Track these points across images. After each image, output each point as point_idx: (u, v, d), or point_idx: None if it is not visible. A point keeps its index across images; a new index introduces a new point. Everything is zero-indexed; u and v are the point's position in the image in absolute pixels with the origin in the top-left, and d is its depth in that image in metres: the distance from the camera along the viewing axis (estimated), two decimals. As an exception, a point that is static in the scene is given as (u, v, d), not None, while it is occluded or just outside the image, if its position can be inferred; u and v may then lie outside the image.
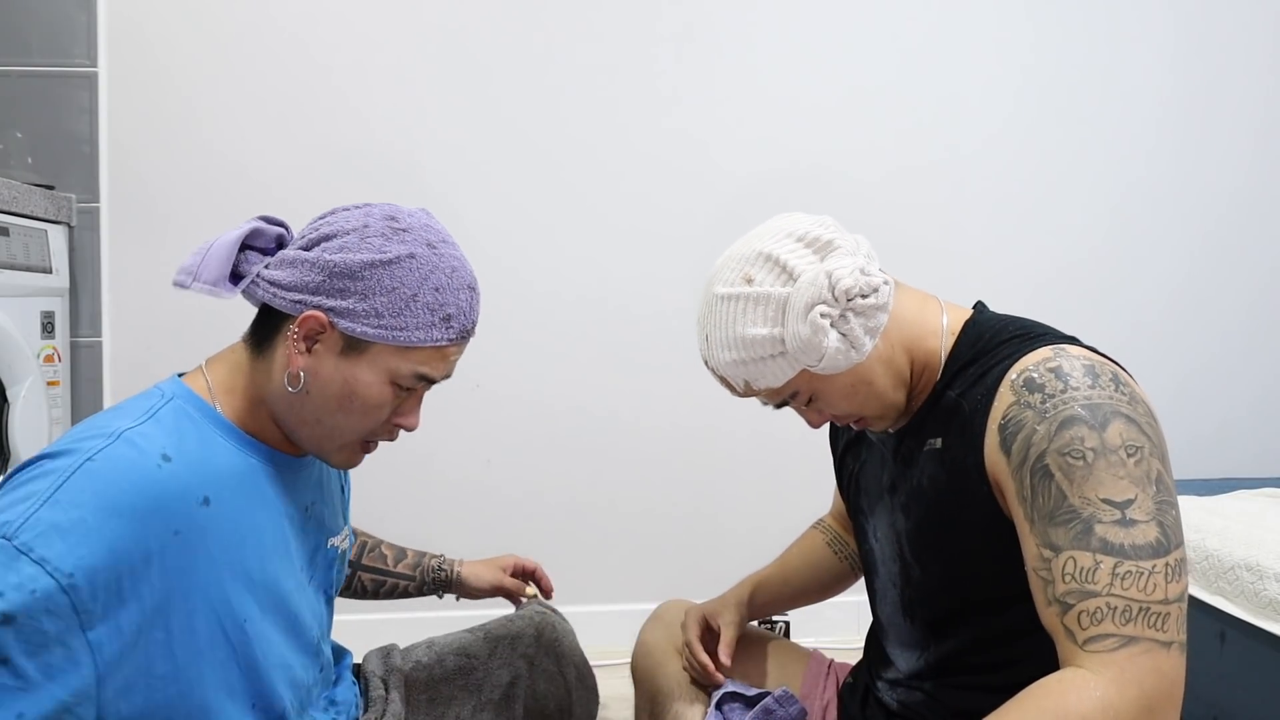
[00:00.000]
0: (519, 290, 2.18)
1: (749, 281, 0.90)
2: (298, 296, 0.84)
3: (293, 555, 0.90)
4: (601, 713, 1.17)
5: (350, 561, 1.24)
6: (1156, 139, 2.32)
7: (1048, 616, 0.77)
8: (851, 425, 0.99)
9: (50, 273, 1.87)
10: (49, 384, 1.83)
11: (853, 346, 0.88)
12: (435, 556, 1.28)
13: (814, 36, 2.21)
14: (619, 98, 2.18)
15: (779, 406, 0.98)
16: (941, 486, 0.91)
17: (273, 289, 0.85)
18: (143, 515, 0.74)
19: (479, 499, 2.20)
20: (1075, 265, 2.31)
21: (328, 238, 0.85)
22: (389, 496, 2.21)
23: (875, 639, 1.11)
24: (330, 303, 0.83)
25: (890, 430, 1.00)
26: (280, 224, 0.91)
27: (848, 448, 1.14)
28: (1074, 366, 0.83)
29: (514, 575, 1.31)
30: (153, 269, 2.01)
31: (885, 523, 1.02)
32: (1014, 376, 0.85)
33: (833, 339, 0.87)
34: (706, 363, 0.96)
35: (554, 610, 1.22)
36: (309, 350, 0.85)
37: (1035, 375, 0.83)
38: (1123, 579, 0.74)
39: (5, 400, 1.69)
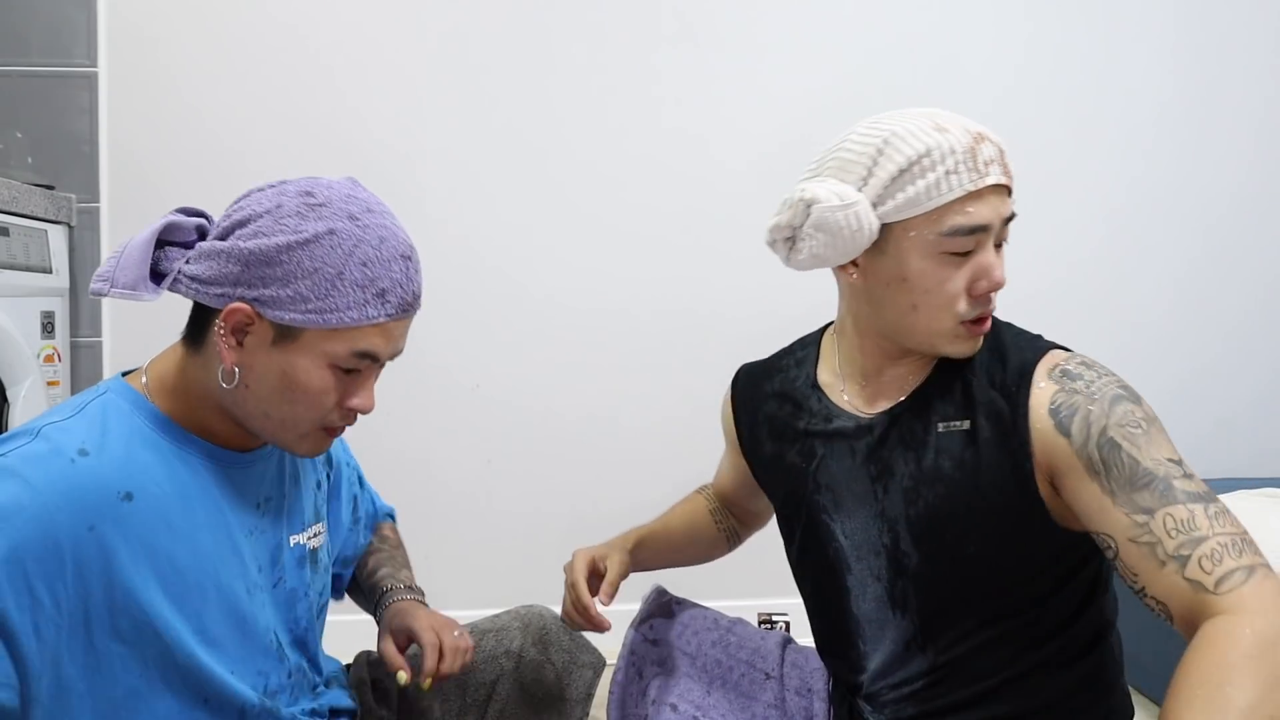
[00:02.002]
0: (518, 292, 2.18)
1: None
2: (220, 290, 0.80)
3: (243, 554, 0.87)
4: (596, 711, 1.17)
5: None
6: (1156, 139, 2.31)
7: (1165, 577, 0.79)
8: (978, 317, 0.94)
9: (50, 273, 1.87)
10: (49, 384, 1.83)
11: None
12: (390, 579, 1.15)
13: (813, 37, 2.21)
14: (617, 99, 2.18)
15: (1002, 224, 0.93)
16: (971, 466, 0.92)
17: (194, 285, 0.81)
18: (50, 510, 0.72)
19: (479, 499, 2.20)
20: (1074, 265, 2.30)
21: (242, 224, 0.81)
22: (388, 497, 2.20)
23: (844, 646, 1.05)
24: (253, 293, 0.79)
25: (869, 415, 1.00)
26: (199, 214, 0.87)
27: (785, 445, 1.08)
28: (1094, 363, 0.92)
29: (409, 644, 1.05)
30: (153, 269, 2.00)
31: (865, 517, 0.99)
32: (1048, 369, 0.91)
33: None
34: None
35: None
36: (240, 344, 0.81)
37: (1070, 368, 0.91)
38: (1216, 518, 0.80)
39: (5, 400, 1.69)
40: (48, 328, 1.87)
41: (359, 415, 0.88)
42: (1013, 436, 0.90)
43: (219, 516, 0.85)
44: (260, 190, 0.84)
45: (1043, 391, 0.90)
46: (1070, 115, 2.28)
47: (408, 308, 0.86)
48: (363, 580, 1.17)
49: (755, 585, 2.26)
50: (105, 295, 0.81)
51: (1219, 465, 2.28)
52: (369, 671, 1.11)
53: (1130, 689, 1.01)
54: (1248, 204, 2.35)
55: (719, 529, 1.30)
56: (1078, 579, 0.95)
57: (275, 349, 0.81)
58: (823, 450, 1.04)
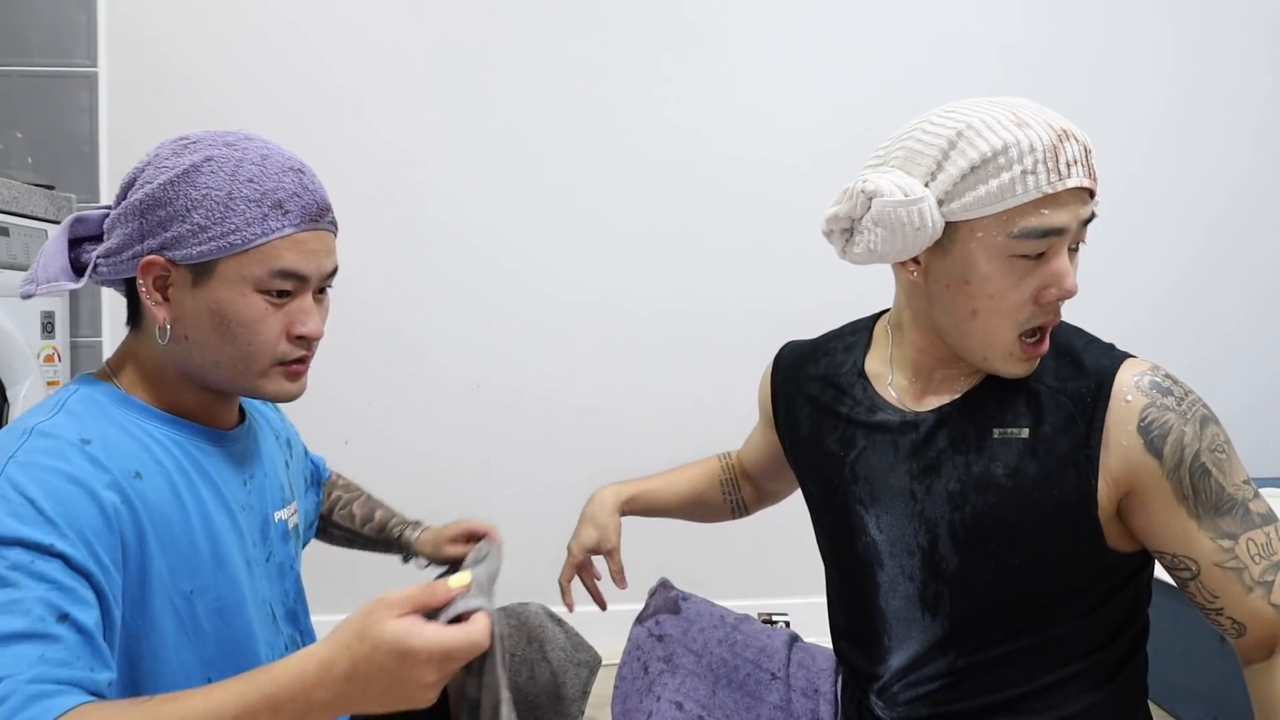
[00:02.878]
0: (519, 289, 2.18)
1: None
2: (130, 253, 0.82)
3: (240, 529, 0.89)
4: (589, 711, 1.16)
5: (322, 515, 1.24)
6: (1154, 138, 2.32)
7: (1250, 603, 0.82)
8: (1039, 328, 0.90)
9: (50, 273, 1.87)
10: (49, 384, 1.83)
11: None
12: (400, 525, 1.28)
13: (814, 37, 2.21)
14: (619, 97, 2.18)
15: (1080, 227, 0.87)
16: (1028, 477, 0.88)
17: (109, 261, 0.83)
18: (91, 487, 0.74)
19: (479, 499, 2.20)
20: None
21: (128, 185, 0.84)
22: (389, 496, 2.20)
23: (867, 638, 1.04)
24: (157, 240, 0.81)
25: (916, 412, 0.97)
26: (105, 207, 0.89)
27: (825, 430, 1.06)
28: (1176, 378, 0.89)
29: (466, 539, 1.23)
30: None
31: (901, 514, 0.96)
32: (1135, 377, 0.87)
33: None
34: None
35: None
36: (165, 298, 0.83)
37: (1159, 380, 0.87)
38: None
39: (5, 400, 1.69)
40: (48, 328, 1.87)
41: (312, 342, 0.88)
42: (1082, 450, 0.86)
43: (216, 493, 0.87)
44: (142, 155, 0.87)
45: (1130, 406, 0.85)
46: (1068, 115, 2.28)
47: (314, 217, 0.85)
48: (369, 531, 1.27)
49: (756, 585, 2.26)
50: (33, 295, 0.83)
51: (1219, 465, 2.28)
52: None
53: (1149, 702, 1.00)
54: (1246, 203, 2.35)
55: (725, 500, 1.31)
56: (1113, 602, 0.92)
57: (197, 290, 0.82)
58: (864, 441, 1.01)
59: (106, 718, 0.64)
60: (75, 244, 0.86)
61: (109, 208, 0.88)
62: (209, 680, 0.83)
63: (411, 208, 2.12)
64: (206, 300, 0.82)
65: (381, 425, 2.13)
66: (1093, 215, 0.87)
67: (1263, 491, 2.01)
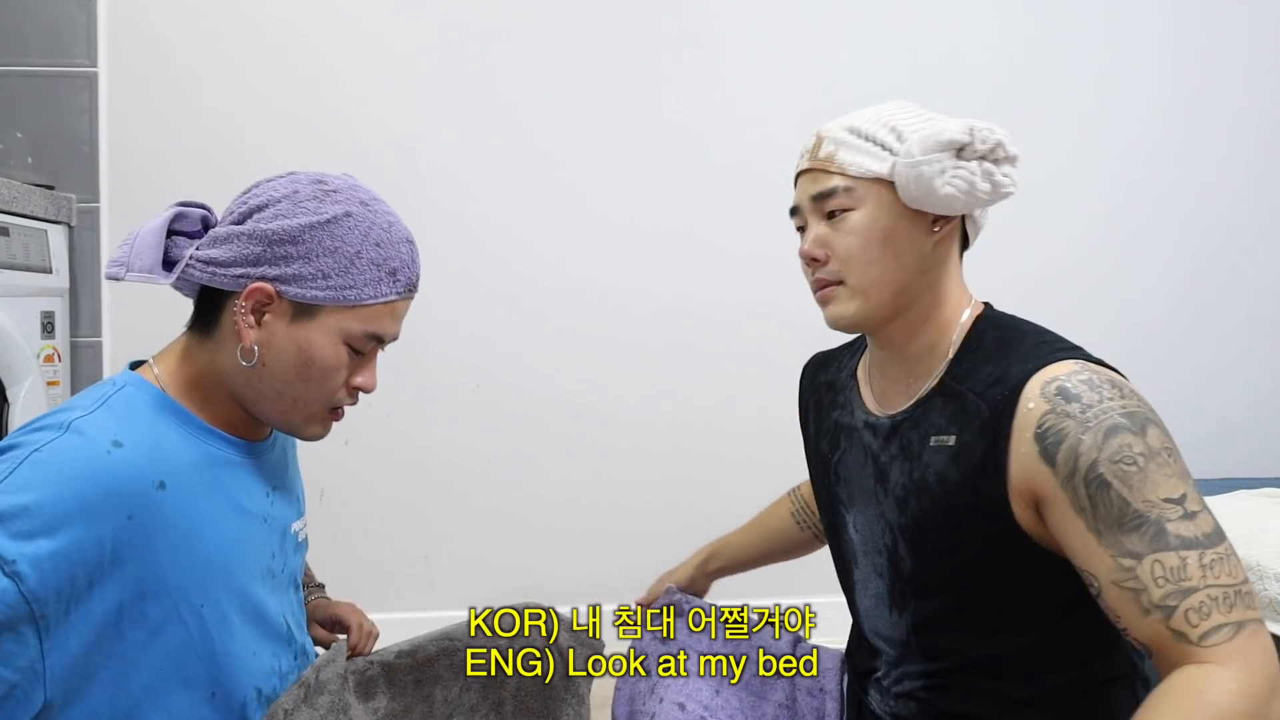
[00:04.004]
0: (520, 289, 2.18)
1: (926, 110, 0.95)
2: (239, 271, 0.83)
3: (259, 542, 0.90)
4: (597, 714, 1.16)
5: None
6: (1155, 139, 2.32)
7: (1148, 626, 0.76)
8: (814, 285, 0.97)
9: (50, 273, 1.87)
10: (49, 384, 1.83)
11: (947, 181, 0.88)
12: (308, 586, 1.22)
13: (814, 36, 2.21)
14: (620, 96, 2.18)
15: (816, 199, 0.95)
16: (952, 485, 0.89)
17: (210, 268, 0.84)
18: (92, 502, 0.73)
19: (479, 499, 2.20)
20: (1074, 265, 2.31)
21: (259, 208, 0.85)
22: (389, 496, 2.21)
23: (858, 636, 1.09)
24: (274, 271, 0.83)
25: (878, 416, 0.99)
26: (202, 206, 0.91)
27: (821, 433, 1.11)
28: (1103, 379, 0.83)
29: (332, 626, 1.18)
30: (153, 269, 2.01)
31: (872, 514, 0.99)
32: (1044, 383, 0.84)
33: (947, 158, 0.88)
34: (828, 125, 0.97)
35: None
36: (259, 323, 0.84)
37: (1069, 385, 0.83)
38: (1211, 568, 0.75)
39: (5, 400, 1.69)
40: (48, 328, 1.87)
41: (361, 395, 0.92)
42: (991, 457, 0.85)
43: (239, 504, 0.88)
44: (270, 181, 0.89)
45: (1031, 412, 0.83)
46: (1069, 115, 2.28)
47: (412, 288, 0.91)
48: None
49: (757, 585, 2.26)
50: (121, 279, 0.84)
51: (1219, 465, 2.28)
52: (354, 674, 1.11)
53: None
54: (1247, 204, 2.35)
55: (801, 528, 1.29)
56: (1084, 614, 0.87)
57: (294, 326, 0.85)
58: (845, 443, 1.04)
59: None
60: (167, 235, 0.88)
61: (205, 208, 0.90)
62: (213, 695, 0.84)
63: (412, 208, 2.11)
64: (299, 338, 0.85)
65: (381, 425, 2.13)
66: (831, 191, 0.94)
67: (1263, 491, 2.01)
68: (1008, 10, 2.25)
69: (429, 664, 1.09)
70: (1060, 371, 0.84)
